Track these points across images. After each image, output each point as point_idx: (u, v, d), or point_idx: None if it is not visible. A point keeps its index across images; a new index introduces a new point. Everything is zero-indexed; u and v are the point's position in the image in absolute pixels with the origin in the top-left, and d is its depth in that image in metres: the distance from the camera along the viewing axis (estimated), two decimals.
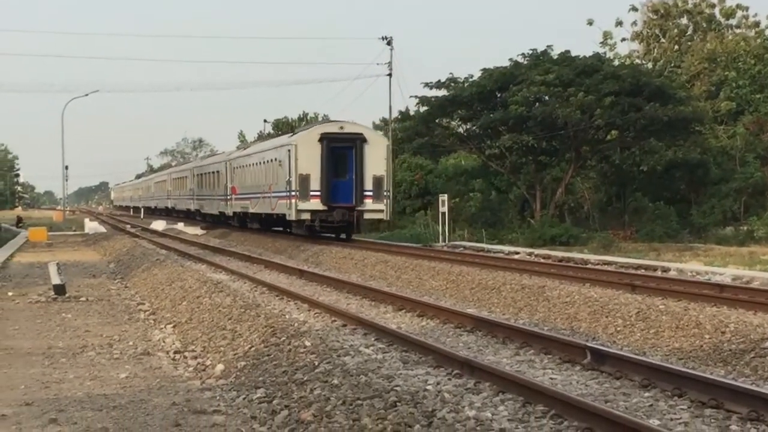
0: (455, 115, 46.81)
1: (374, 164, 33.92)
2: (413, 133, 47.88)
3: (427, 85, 45.25)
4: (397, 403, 8.46)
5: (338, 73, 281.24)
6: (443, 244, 35.66)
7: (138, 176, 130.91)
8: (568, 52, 44.19)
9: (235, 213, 46.63)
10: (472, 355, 11.38)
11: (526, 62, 44.30)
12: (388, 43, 55.28)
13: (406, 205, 53.67)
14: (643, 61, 55.74)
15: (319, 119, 75.33)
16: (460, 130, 48.07)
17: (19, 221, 65.64)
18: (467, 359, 10.57)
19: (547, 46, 44.94)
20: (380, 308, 16.96)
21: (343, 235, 35.13)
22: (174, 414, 9.22)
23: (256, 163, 41.58)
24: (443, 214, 37.17)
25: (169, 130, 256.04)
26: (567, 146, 43.67)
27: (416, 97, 45.96)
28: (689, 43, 57.08)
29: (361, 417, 8.19)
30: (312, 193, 33.67)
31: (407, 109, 52.13)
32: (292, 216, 34.55)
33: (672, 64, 55.14)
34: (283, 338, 12.01)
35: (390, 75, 54.77)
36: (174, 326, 15.42)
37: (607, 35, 56.14)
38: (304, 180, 33.73)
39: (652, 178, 45.88)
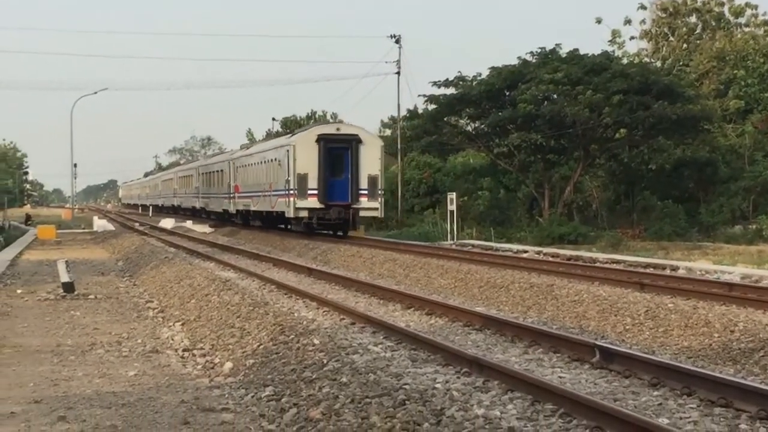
0: (464, 114, 46.80)
1: (369, 164, 35.20)
2: (422, 132, 47.86)
3: (435, 83, 45.39)
4: (406, 402, 8.45)
5: (347, 72, 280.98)
6: (452, 242, 35.70)
7: (146, 174, 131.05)
8: (576, 50, 44.12)
9: (238, 211, 47.57)
10: (480, 354, 11.36)
11: (534, 61, 44.25)
12: (397, 42, 55.41)
13: (415, 204, 53.68)
14: (652, 60, 55.57)
15: (328, 117, 75.61)
16: (469, 128, 48.01)
17: (28, 219, 65.84)
18: (476, 357, 10.56)
19: (556, 45, 45.03)
20: (389, 306, 16.96)
21: (339, 232, 35.87)
22: (183, 412, 9.23)
23: (258, 163, 42.59)
24: (452, 212, 37.24)
25: (177, 128, 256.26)
26: (575, 145, 43.61)
27: (424, 95, 46.10)
28: (698, 42, 56.90)
29: (370, 415, 8.18)
30: (310, 191, 34.91)
31: (416, 108, 52.23)
32: (290, 214, 35.72)
33: (681, 63, 54.95)
34: (292, 336, 12.00)
35: (398, 73, 54.93)
36: (182, 324, 15.43)
37: (615, 34, 56.01)
38: (302, 179, 34.95)
39: (660, 177, 45.77)
